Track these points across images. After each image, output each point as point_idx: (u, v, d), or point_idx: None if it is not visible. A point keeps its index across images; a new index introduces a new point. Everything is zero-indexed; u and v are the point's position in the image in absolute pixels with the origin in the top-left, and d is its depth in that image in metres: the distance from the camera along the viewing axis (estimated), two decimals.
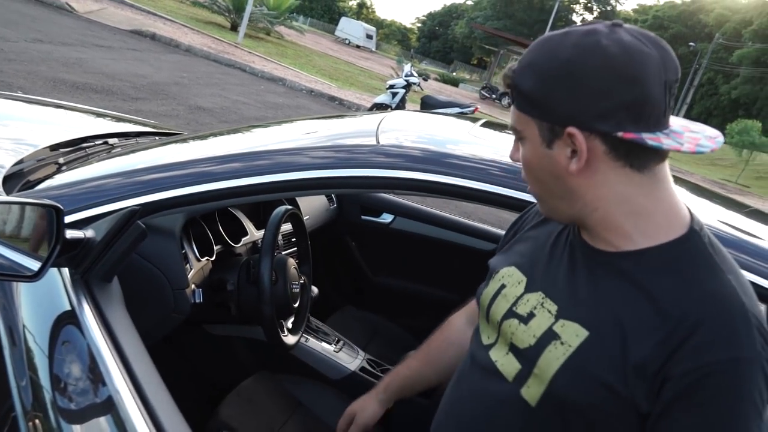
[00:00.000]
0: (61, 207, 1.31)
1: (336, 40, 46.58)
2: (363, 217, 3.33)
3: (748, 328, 0.96)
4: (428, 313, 2.13)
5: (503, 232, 1.47)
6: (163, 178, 1.68)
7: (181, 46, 16.30)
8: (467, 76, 59.66)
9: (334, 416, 2.27)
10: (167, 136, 2.59)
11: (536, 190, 1.15)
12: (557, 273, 1.17)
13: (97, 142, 2.27)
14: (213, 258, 2.12)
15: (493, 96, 34.24)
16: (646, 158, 1.04)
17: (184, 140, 2.17)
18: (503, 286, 1.25)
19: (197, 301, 1.90)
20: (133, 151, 2.10)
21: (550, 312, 1.13)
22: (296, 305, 2.20)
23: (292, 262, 2.20)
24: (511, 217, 1.48)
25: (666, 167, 1.08)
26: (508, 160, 1.56)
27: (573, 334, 1.08)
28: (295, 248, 2.55)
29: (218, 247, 2.18)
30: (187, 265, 1.90)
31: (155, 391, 1.14)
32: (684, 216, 1.09)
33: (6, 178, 1.81)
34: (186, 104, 9.74)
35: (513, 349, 1.17)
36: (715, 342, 0.95)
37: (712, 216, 1.67)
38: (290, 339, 2.15)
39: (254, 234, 2.44)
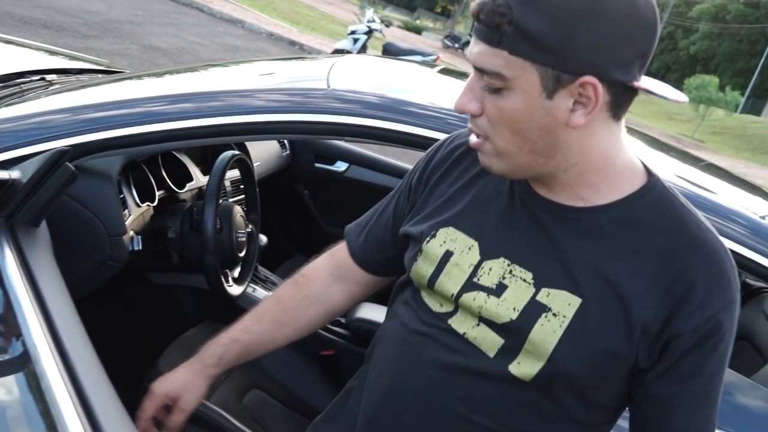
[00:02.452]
0: None
1: None
2: (317, 164, 3.27)
3: (734, 269, 1.01)
4: None
5: None
6: (100, 117, 1.59)
7: None
8: (431, 25, 59.11)
9: (281, 368, 2.24)
10: (110, 75, 2.47)
11: (508, 147, 0.99)
12: (516, 235, 1.07)
13: (33, 78, 2.14)
14: (155, 204, 2.03)
15: (456, 45, 33.94)
16: (626, 108, 1.00)
17: (126, 79, 2.06)
18: (449, 254, 1.11)
19: (136, 248, 1.82)
20: (72, 89, 1.99)
21: (525, 281, 1.04)
22: (242, 254, 2.13)
23: (238, 210, 2.13)
24: None
25: None
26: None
27: (564, 303, 1.01)
28: (243, 195, 2.47)
29: (161, 192, 2.10)
30: (126, 211, 1.82)
31: (77, 346, 1.06)
32: (639, 165, 1.07)
33: None
34: (140, 44, 9.47)
35: (486, 321, 1.06)
36: (715, 291, 0.97)
37: (668, 170, 1.65)
38: (235, 289, 2.09)
39: (200, 180, 2.36)
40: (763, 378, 1.94)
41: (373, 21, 13.49)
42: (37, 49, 2.92)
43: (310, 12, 25.27)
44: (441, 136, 1.46)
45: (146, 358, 1.95)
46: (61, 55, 2.93)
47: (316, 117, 1.54)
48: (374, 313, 2.27)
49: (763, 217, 1.55)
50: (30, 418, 0.97)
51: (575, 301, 1.00)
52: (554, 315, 1.01)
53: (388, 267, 1.31)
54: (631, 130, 2.21)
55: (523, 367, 1.03)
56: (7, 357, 1.10)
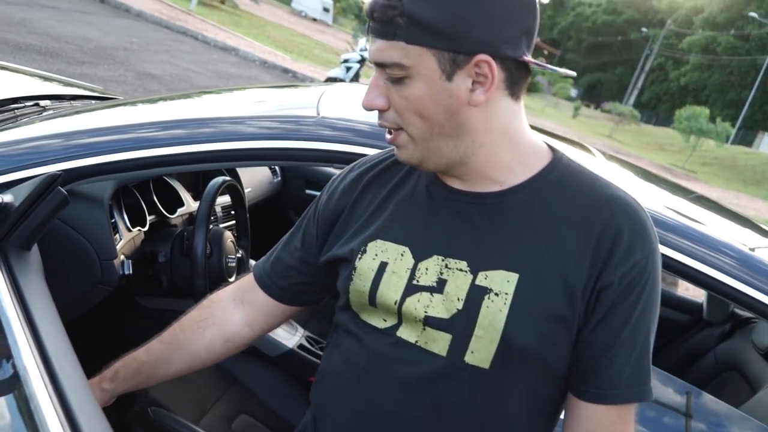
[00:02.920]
0: None
1: (292, 12, 46.00)
2: (307, 191, 3.29)
3: (650, 220, 1.07)
4: None
5: None
6: (93, 143, 1.61)
7: (132, 10, 15.92)
8: None
9: (270, 393, 2.24)
10: (104, 101, 2.49)
11: (420, 132, 1.04)
12: (443, 231, 1.11)
13: (27, 104, 2.16)
14: (146, 228, 2.05)
15: None
16: (523, 86, 1.07)
17: (119, 105, 2.08)
18: (384, 265, 1.12)
19: (126, 272, 1.83)
20: (65, 115, 2.01)
21: (461, 270, 1.07)
22: (232, 279, 2.14)
23: (228, 235, 2.15)
24: None
25: None
26: None
27: (503, 281, 1.04)
28: (234, 221, 2.49)
29: (152, 217, 2.11)
30: (117, 235, 1.83)
31: (66, 369, 1.07)
32: (543, 144, 1.14)
33: None
34: (134, 70, 9.51)
35: (431, 322, 1.08)
36: (636, 242, 1.03)
37: (659, 201, 1.67)
38: None
39: (191, 205, 2.37)
40: (753, 408, 1.96)
41: (366, 50, 13.56)
42: (32, 75, 2.95)
43: (303, 40, 25.46)
44: None
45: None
46: (55, 81, 2.96)
47: (306, 144, 1.56)
48: None
49: (752, 249, 1.57)
50: None
51: (513, 277, 1.03)
52: (496, 295, 1.03)
53: (292, 294, 1.30)
54: (621, 162, 2.26)
55: (479, 354, 1.05)
56: (2, 378, 1.10)
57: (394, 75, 1.00)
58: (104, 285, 1.77)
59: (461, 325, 1.05)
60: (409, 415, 1.10)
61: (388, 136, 1.08)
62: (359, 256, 1.15)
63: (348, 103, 1.81)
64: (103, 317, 2.08)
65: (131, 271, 1.85)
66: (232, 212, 2.50)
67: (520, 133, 1.10)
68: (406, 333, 1.10)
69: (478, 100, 1.01)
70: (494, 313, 1.03)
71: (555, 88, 47.19)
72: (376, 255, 1.13)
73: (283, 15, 39.68)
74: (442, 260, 1.08)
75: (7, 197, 1.35)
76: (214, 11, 22.37)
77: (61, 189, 1.31)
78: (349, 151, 1.54)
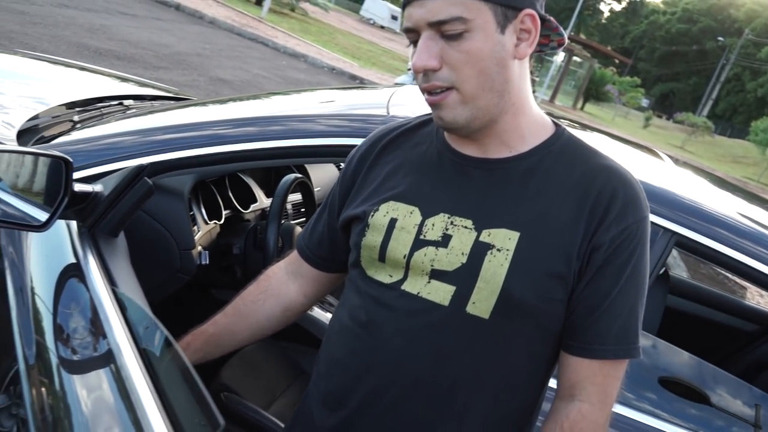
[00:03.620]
0: (71, 160, 1.32)
1: (361, 20, 46.25)
2: None
3: (642, 192, 1.14)
4: None
5: None
6: (173, 138, 1.70)
7: (205, 17, 16.29)
8: None
9: None
10: (180, 101, 2.60)
11: (473, 89, 1.08)
12: (450, 192, 1.17)
13: (112, 103, 2.28)
14: (221, 222, 2.14)
15: None
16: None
17: (198, 104, 2.18)
18: (393, 221, 1.18)
19: (203, 262, 1.92)
20: (147, 113, 2.12)
21: (466, 227, 1.13)
22: None
23: (299, 230, 2.22)
24: None
25: None
26: None
27: (505, 239, 1.10)
28: (304, 218, 2.56)
29: (227, 212, 2.20)
30: (195, 227, 1.92)
31: (154, 344, 1.15)
32: (546, 116, 1.22)
33: (20, 133, 1.83)
34: (207, 75, 9.76)
35: (437, 275, 1.14)
36: (629, 207, 1.11)
37: (733, 207, 1.68)
38: None
39: (263, 201, 2.46)
40: None
41: None
42: (110, 75, 3.09)
43: (371, 47, 25.60)
44: None
45: (209, 369, 2.04)
46: (132, 81, 3.08)
47: None
48: None
49: None
50: (116, 411, 1.05)
51: (514, 236, 1.10)
52: (498, 250, 1.10)
53: (329, 261, 1.38)
54: (693, 168, 2.24)
55: (479, 305, 1.11)
56: (93, 354, 1.18)
57: (454, 30, 1.04)
58: (183, 274, 1.86)
59: (464, 277, 1.11)
60: (412, 364, 1.15)
61: (430, 98, 1.11)
62: (372, 213, 1.20)
63: (417, 103, 1.86)
64: (178, 306, 2.17)
65: (207, 262, 1.94)
66: (302, 209, 2.58)
67: (532, 99, 1.18)
68: (410, 286, 1.16)
69: (524, 53, 1.09)
70: (495, 267, 1.09)
71: (626, 97, 46.27)
72: (387, 212, 1.19)
73: (352, 23, 40.01)
74: (448, 218, 1.15)
75: (97, 187, 1.44)
76: (284, 19, 22.69)
77: (147, 179, 1.40)
78: None
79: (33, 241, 1.52)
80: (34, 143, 1.79)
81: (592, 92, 40.74)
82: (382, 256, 1.19)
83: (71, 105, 2.18)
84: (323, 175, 2.96)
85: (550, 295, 1.10)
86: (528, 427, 1.25)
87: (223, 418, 1.08)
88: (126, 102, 2.32)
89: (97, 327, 1.21)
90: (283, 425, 1.87)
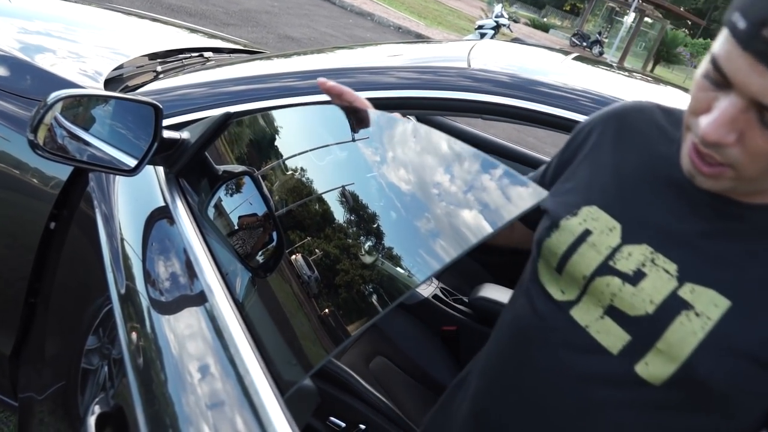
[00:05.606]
0: (161, 106, 1.35)
1: None
2: None
3: None
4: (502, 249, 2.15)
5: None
6: (250, 89, 1.72)
7: None
8: (558, 23, 57.88)
9: (404, 339, 2.33)
10: (255, 54, 2.63)
11: (755, 174, 0.86)
12: (666, 223, 0.97)
13: (193, 54, 2.32)
14: None
15: (584, 44, 33.16)
16: None
17: (271, 57, 2.20)
18: (587, 233, 1.00)
19: None
20: (226, 65, 2.15)
21: (667, 272, 0.93)
22: None
23: None
24: None
25: None
26: (598, 90, 1.56)
27: (710, 304, 0.89)
28: None
29: None
30: None
31: (241, 284, 1.18)
32: None
33: (107, 82, 1.88)
34: (275, 33, 9.81)
35: (614, 313, 0.95)
36: None
37: None
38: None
39: None
40: None
41: (502, 16, 13.44)
42: (182, 27, 3.12)
43: (437, 7, 25.30)
44: (574, 116, 1.51)
45: None
46: (200, 32, 3.10)
47: (445, 93, 1.59)
48: (496, 293, 2.33)
49: None
50: (212, 349, 1.08)
51: (723, 303, 0.89)
52: (696, 315, 0.89)
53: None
54: None
55: (652, 369, 0.92)
56: (185, 294, 1.22)
57: (761, 112, 0.80)
58: None
59: (644, 330, 0.93)
60: (553, 403, 1.00)
61: (708, 168, 0.88)
62: (568, 216, 1.04)
63: (497, 57, 1.84)
64: None
65: None
66: None
67: None
68: (580, 314, 0.99)
69: None
70: (686, 334, 0.89)
71: (697, 60, 44.88)
72: (584, 220, 1.02)
73: None
74: (651, 252, 0.96)
75: (184, 134, 1.47)
76: None
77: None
78: (491, 101, 1.56)
79: (120, 187, 1.57)
80: (120, 92, 1.83)
81: (663, 54, 39.60)
82: (561, 267, 1.02)
83: (153, 56, 2.22)
84: None
85: (749, 386, 0.88)
86: None
87: None
88: (206, 54, 2.36)
89: (188, 269, 1.25)
90: (354, 374, 1.90)
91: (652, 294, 0.93)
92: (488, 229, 0.77)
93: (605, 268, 0.97)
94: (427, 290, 2.46)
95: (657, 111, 1.09)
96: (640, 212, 0.99)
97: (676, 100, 1.79)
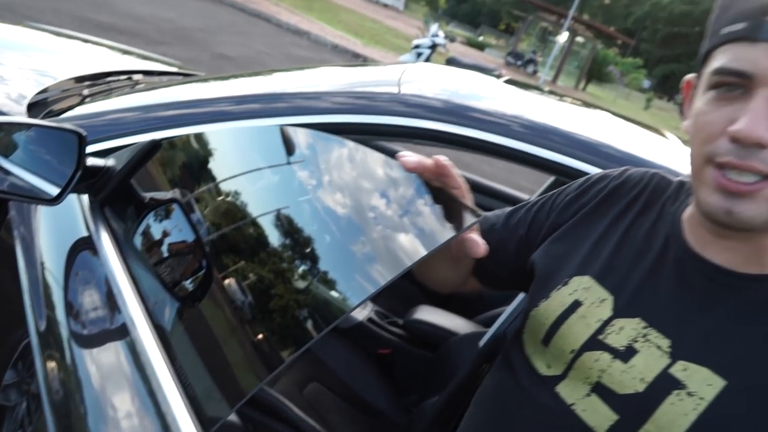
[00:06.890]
0: (84, 134, 1.32)
1: None
2: None
3: None
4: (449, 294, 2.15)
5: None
6: (181, 114, 1.69)
7: None
8: (494, 41, 58.73)
9: (340, 363, 2.31)
10: (189, 77, 2.60)
11: None
12: (660, 297, 0.92)
13: (121, 77, 2.28)
14: None
15: (519, 62, 33.88)
16: None
17: (205, 80, 2.17)
18: (577, 304, 0.96)
19: None
20: (155, 88, 2.11)
21: (660, 348, 0.88)
22: None
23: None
24: (527, 178, 1.43)
25: None
26: (530, 117, 1.57)
27: (703, 383, 0.84)
28: None
29: None
30: None
31: (166, 315, 1.15)
32: None
33: (30, 106, 1.83)
34: (210, 51, 9.72)
35: (602, 391, 0.90)
36: None
37: None
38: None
39: None
40: None
41: (437, 36, 13.57)
42: (113, 49, 3.07)
43: (374, 25, 25.46)
44: (506, 142, 1.52)
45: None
46: (135, 55, 3.06)
47: (379, 119, 1.58)
48: (431, 315, 2.34)
49: None
50: (132, 383, 1.06)
51: (717, 383, 0.83)
52: (689, 395, 0.84)
53: (484, 273, 1.17)
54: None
55: None
56: (107, 327, 1.19)
57: None
58: None
59: (633, 409, 0.87)
60: None
61: (747, 180, 0.80)
62: (558, 286, 0.99)
63: (429, 81, 1.84)
64: None
65: None
66: None
67: None
68: (566, 391, 0.94)
69: None
70: (677, 415, 0.84)
71: (627, 78, 46.16)
72: (575, 290, 0.97)
73: (355, 0, 39.78)
74: (644, 327, 0.91)
75: (109, 161, 1.43)
76: None
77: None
78: (422, 126, 1.55)
79: (43, 216, 1.52)
80: (44, 117, 1.78)
81: (595, 73, 40.62)
82: (547, 340, 0.97)
83: (80, 79, 2.17)
84: None
85: None
86: None
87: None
88: (135, 77, 2.31)
89: (110, 301, 1.21)
90: (287, 402, 1.87)
91: (643, 371, 0.88)
92: (422, 252, 0.78)
93: (594, 343, 0.92)
94: (361, 313, 2.44)
95: (661, 180, 1.06)
96: (632, 285, 0.95)
97: (602, 121, 1.82)
